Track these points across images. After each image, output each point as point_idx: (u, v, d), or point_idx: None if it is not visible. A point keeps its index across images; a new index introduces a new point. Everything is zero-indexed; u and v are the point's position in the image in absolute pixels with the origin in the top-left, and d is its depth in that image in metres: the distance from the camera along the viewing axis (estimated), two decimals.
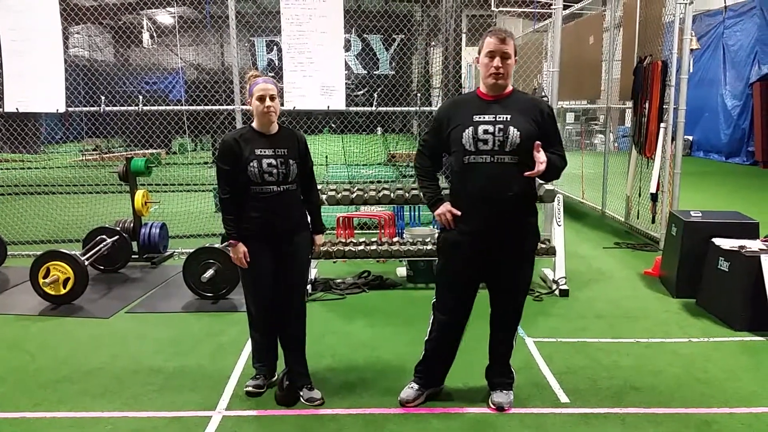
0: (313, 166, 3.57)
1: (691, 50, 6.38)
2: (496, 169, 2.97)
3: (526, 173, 2.94)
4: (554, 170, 3.04)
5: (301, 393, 3.46)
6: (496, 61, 2.95)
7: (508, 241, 3.09)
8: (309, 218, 3.56)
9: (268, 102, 3.24)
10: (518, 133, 2.94)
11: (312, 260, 3.56)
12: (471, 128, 2.98)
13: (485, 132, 2.96)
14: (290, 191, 3.34)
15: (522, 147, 2.94)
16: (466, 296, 3.25)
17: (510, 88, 3.10)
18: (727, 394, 3.49)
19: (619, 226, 8.08)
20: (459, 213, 3.10)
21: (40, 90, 6.52)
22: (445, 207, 3.15)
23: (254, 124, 3.36)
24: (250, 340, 3.67)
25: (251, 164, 3.22)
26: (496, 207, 3.01)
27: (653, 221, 6.87)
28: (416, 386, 3.43)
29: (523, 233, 3.13)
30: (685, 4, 6.23)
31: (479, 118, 2.99)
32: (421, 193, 3.36)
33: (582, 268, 6.02)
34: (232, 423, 3.23)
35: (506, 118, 2.96)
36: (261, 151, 3.26)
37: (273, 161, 3.26)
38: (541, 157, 2.90)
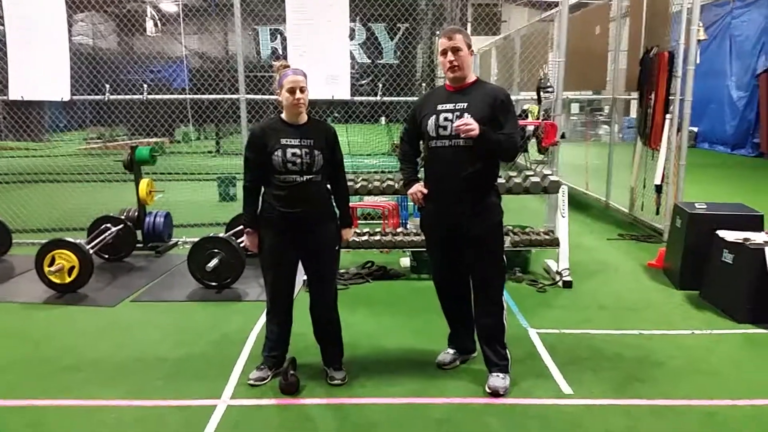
0: (342, 158, 3.58)
1: (698, 41, 6.34)
2: (453, 152, 3.28)
3: (460, 131, 3.15)
4: (495, 143, 3.24)
5: (327, 371, 3.59)
6: (449, 56, 3.27)
7: (468, 216, 3.33)
8: (337, 210, 3.58)
9: (298, 94, 3.28)
10: (471, 118, 3.18)
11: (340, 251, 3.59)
12: (434, 116, 3.31)
13: (445, 119, 3.27)
14: (314, 182, 3.34)
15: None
16: (445, 265, 3.59)
17: (473, 78, 3.38)
18: (730, 386, 3.50)
19: (623, 218, 8.06)
20: (426, 191, 3.46)
21: (45, 78, 6.51)
22: (417, 186, 3.52)
23: (283, 115, 3.40)
24: (264, 328, 3.69)
25: (276, 153, 3.27)
26: (454, 186, 3.31)
27: (657, 213, 6.86)
28: (452, 351, 3.78)
29: (481, 209, 3.35)
30: None
31: (442, 107, 3.32)
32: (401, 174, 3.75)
33: (586, 260, 6.02)
34: (236, 412, 3.26)
35: (464, 105, 3.26)
36: (286, 141, 3.30)
37: (297, 151, 3.28)
38: (459, 122, 3.14)
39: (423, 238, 5.37)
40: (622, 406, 3.28)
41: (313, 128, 3.40)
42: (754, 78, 14.73)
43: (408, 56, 12.62)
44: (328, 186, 3.49)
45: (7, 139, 14.83)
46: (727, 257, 4.61)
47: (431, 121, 3.31)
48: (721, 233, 4.74)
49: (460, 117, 3.22)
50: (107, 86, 6.77)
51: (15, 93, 6.56)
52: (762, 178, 11.91)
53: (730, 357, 3.90)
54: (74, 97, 6.66)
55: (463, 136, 3.16)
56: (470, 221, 3.33)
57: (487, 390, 3.39)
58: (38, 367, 3.80)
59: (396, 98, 7.37)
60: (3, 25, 6.63)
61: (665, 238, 6.36)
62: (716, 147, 16.43)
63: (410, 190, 3.53)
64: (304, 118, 3.40)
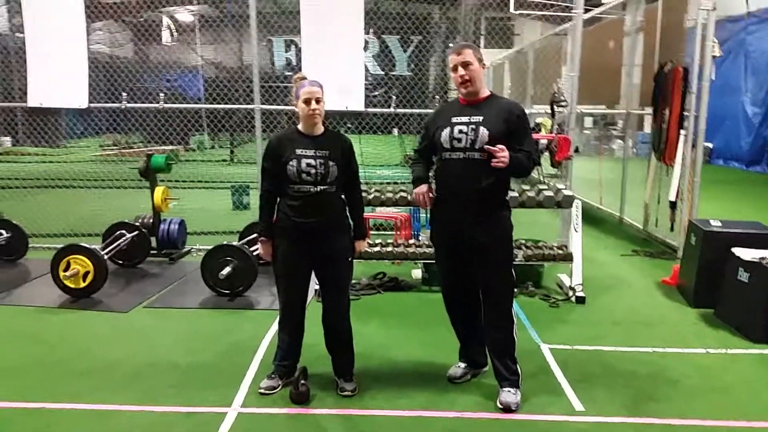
0: (357, 170, 3.60)
1: (713, 57, 6.32)
2: (467, 164, 3.30)
3: (493, 162, 3.18)
4: (519, 165, 3.27)
5: (338, 382, 3.59)
6: (459, 71, 3.30)
7: (476, 226, 3.34)
8: (351, 221, 3.60)
9: (313, 105, 3.33)
10: (487, 132, 3.22)
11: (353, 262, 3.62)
12: (449, 128, 3.33)
13: (460, 132, 3.30)
14: (328, 192, 3.37)
15: (491, 145, 3.20)
16: (455, 277, 3.60)
17: (487, 93, 3.42)
18: (745, 406, 3.46)
19: (636, 234, 8.01)
20: (432, 195, 3.50)
21: (63, 85, 6.59)
22: (424, 187, 3.53)
23: (300, 126, 3.44)
24: (277, 337, 3.70)
25: (290, 163, 3.30)
26: (467, 198, 3.33)
27: (672, 229, 6.80)
28: (463, 365, 3.77)
29: (490, 220, 3.37)
30: (708, 10, 6.16)
31: (456, 119, 3.34)
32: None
33: (599, 275, 5.98)
34: (247, 420, 3.26)
35: (479, 119, 3.28)
36: (302, 151, 3.33)
37: (312, 161, 3.31)
38: (498, 150, 3.15)
39: (434, 250, 5.41)
40: (634, 424, 3.25)
41: (328, 139, 3.43)
42: None
43: (421, 68, 12.68)
44: (343, 197, 3.51)
45: (25, 144, 15.03)
46: (743, 276, 4.57)
47: (445, 132, 3.33)
48: (737, 251, 4.70)
49: (475, 130, 3.24)
50: (124, 94, 6.85)
51: (34, 100, 6.65)
52: None
53: (744, 377, 3.86)
54: (92, 105, 6.74)
55: (493, 164, 3.17)
56: (478, 231, 3.34)
57: (499, 405, 3.37)
58: (51, 371, 3.83)
59: (409, 110, 7.40)
60: (23, 33, 6.74)
61: (679, 255, 6.30)
62: (731, 163, 16.31)
63: (417, 189, 3.54)
64: (320, 129, 3.43)
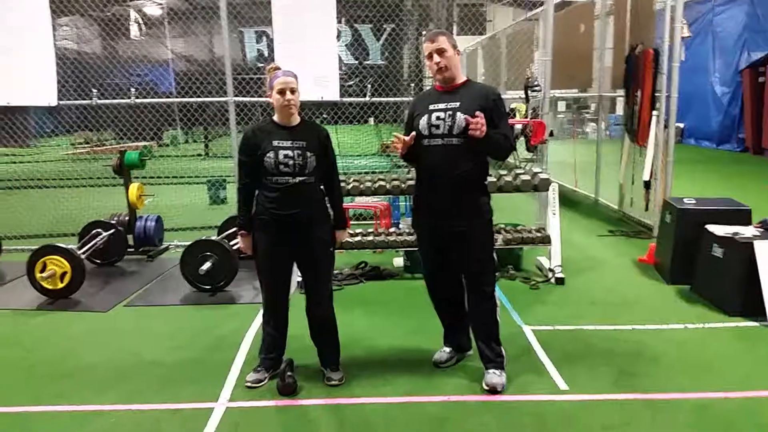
0: (335, 160, 3.58)
1: (683, 38, 6.41)
2: (446, 150, 3.32)
3: (470, 130, 3.16)
4: (495, 144, 3.31)
5: (324, 372, 3.59)
6: (435, 58, 3.32)
7: (458, 213, 3.37)
8: (330, 212, 3.58)
9: (288, 95, 3.30)
10: (464, 117, 3.23)
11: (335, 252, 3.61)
12: (426, 115, 3.36)
13: (437, 118, 3.33)
14: (306, 183, 3.35)
15: (468, 130, 3.21)
16: (437, 263, 3.62)
17: (463, 78, 3.44)
18: (722, 378, 3.55)
19: (612, 214, 8.13)
20: (410, 140, 3.37)
21: (31, 83, 6.45)
22: (404, 137, 3.41)
23: (275, 117, 3.42)
24: (261, 330, 3.69)
25: (268, 154, 3.28)
26: (446, 184, 3.35)
27: (647, 209, 6.92)
28: (448, 350, 3.81)
29: (471, 207, 3.40)
30: None
31: (434, 106, 3.37)
32: None
33: (577, 256, 6.06)
34: (234, 414, 3.26)
35: (456, 105, 3.31)
36: (278, 143, 3.31)
37: (290, 152, 3.29)
38: (476, 117, 3.14)
39: (415, 237, 5.43)
40: (617, 400, 3.32)
41: (305, 130, 3.41)
42: (737, 74, 14.90)
43: (395, 56, 12.64)
44: (322, 187, 3.50)
45: None
46: (717, 251, 4.67)
47: (423, 120, 3.35)
48: (711, 228, 4.80)
49: (452, 116, 3.27)
50: (94, 91, 6.73)
51: (1, 99, 6.50)
52: (748, 173, 12.04)
53: (722, 350, 3.96)
54: (61, 102, 6.61)
55: (470, 133, 3.17)
56: (460, 219, 3.37)
57: (485, 387, 3.41)
58: (32, 374, 3.78)
59: (385, 99, 7.38)
60: None
61: (655, 234, 6.42)
62: (702, 143, 16.61)
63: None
64: (296, 119, 3.41)
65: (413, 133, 3.40)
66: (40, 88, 6.46)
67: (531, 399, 3.35)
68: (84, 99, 6.78)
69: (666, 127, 6.54)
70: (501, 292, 4.99)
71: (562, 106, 16.46)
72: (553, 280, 5.31)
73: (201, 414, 3.24)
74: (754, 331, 4.23)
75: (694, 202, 5.25)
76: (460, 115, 3.25)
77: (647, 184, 6.74)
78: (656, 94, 6.60)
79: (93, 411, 3.32)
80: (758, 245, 4.40)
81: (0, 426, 3.20)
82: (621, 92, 7.73)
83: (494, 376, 3.43)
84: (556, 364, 3.73)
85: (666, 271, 5.35)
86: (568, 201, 8.98)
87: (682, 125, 16.68)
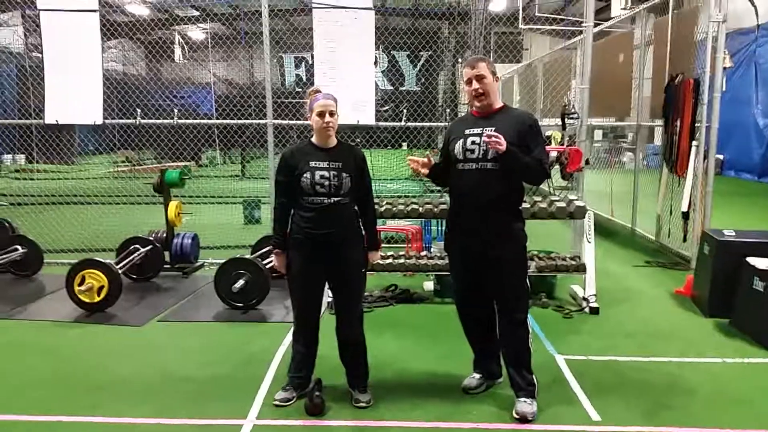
0: (371, 182, 3.63)
1: (724, 68, 6.33)
2: (480, 174, 3.33)
3: (490, 145, 3.16)
4: (525, 167, 3.29)
5: (353, 393, 3.59)
6: (474, 84, 3.34)
7: (491, 239, 3.37)
8: (364, 233, 3.61)
9: (327, 118, 3.37)
10: (484, 135, 3.23)
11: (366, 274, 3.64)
12: (462, 140, 3.39)
13: (472, 143, 3.34)
14: (341, 204, 3.40)
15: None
16: (468, 288, 3.61)
17: (500, 104, 3.45)
18: (761, 414, 3.42)
19: (649, 245, 7.98)
20: (429, 162, 3.43)
21: (79, 102, 6.70)
22: (426, 161, 3.45)
23: (313, 139, 3.49)
24: (291, 349, 3.71)
25: (304, 175, 3.34)
26: (480, 207, 3.35)
27: (684, 240, 6.78)
28: (478, 376, 3.76)
29: (505, 233, 3.39)
30: (719, 22, 6.19)
31: (469, 131, 3.39)
32: None
33: (612, 286, 5.96)
34: None
35: (491, 130, 3.27)
36: (315, 164, 3.37)
37: (326, 173, 3.34)
38: (493, 135, 3.15)
39: (446, 261, 5.41)
40: None
41: (342, 152, 3.46)
42: None
43: (431, 83, 12.75)
44: (356, 209, 3.54)
45: (39, 161, 15.21)
46: (758, 285, 4.54)
47: (459, 144, 3.38)
48: (752, 260, 4.68)
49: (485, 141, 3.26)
50: (138, 110, 6.95)
51: (51, 117, 6.76)
52: None
53: (761, 385, 3.82)
54: (106, 121, 6.83)
55: (489, 147, 3.19)
56: (494, 244, 3.36)
57: (515, 415, 3.36)
58: (67, 385, 3.86)
59: (419, 124, 7.45)
60: (39, 52, 6.86)
61: (693, 266, 6.27)
62: (742, 175, 16.22)
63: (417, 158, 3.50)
64: (333, 141, 3.47)
65: (427, 152, 3.47)
66: (87, 107, 6.71)
67: (562, 429, 3.28)
68: (128, 119, 7.00)
69: (705, 157, 6.43)
70: (534, 319, 4.93)
71: (599, 134, 16.32)
72: (587, 310, 5.22)
73: (230, 430, 3.26)
74: None
75: (734, 233, 5.12)
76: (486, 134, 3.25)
77: (686, 215, 6.61)
78: (696, 125, 6.51)
79: (125, 423, 3.37)
80: None
81: None
82: (659, 122, 7.65)
83: (525, 405, 3.38)
84: (589, 394, 3.66)
85: (704, 304, 5.21)
86: (604, 231, 8.84)
87: (722, 157, 16.35)
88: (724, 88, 6.37)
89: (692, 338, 4.67)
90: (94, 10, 6.57)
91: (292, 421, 3.37)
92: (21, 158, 18.48)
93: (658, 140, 9.73)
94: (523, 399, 3.40)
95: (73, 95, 6.71)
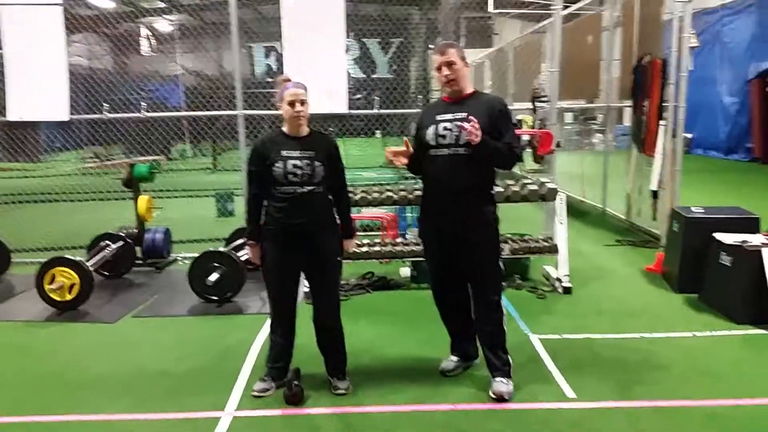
0: (344, 170, 3.61)
1: (691, 48, 6.42)
2: (453, 160, 3.34)
3: (465, 135, 3.18)
4: (497, 153, 3.32)
5: (331, 381, 3.59)
6: (444, 71, 3.35)
7: (464, 224, 3.39)
8: (338, 221, 3.60)
9: (298, 107, 3.35)
10: (459, 124, 3.25)
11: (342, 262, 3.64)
12: (434, 126, 3.39)
13: (444, 128, 3.35)
14: (315, 193, 3.38)
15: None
16: (443, 272, 3.64)
17: (470, 89, 3.46)
18: (731, 386, 3.52)
19: (620, 224, 8.11)
20: (405, 149, 3.47)
21: (44, 99, 6.54)
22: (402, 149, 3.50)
23: (284, 128, 3.46)
24: (269, 340, 3.70)
25: (276, 164, 3.31)
26: (454, 193, 3.37)
27: (654, 218, 6.90)
28: (455, 358, 3.80)
29: (478, 217, 3.41)
30: (685, 2, 6.27)
31: (441, 117, 3.39)
32: None
33: (584, 266, 6.04)
34: (242, 423, 3.26)
35: (463, 115, 3.29)
36: (287, 153, 3.35)
37: (298, 162, 3.32)
38: (469, 124, 3.14)
39: (422, 248, 5.44)
40: (625, 408, 3.30)
41: (314, 140, 3.44)
42: (746, 84, 14.87)
43: (403, 69, 12.73)
44: (330, 197, 3.53)
45: (2, 160, 14.83)
46: (725, 260, 4.65)
47: (431, 130, 3.38)
48: (719, 236, 4.78)
49: (459, 126, 3.27)
50: (105, 105, 6.81)
51: (14, 114, 6.59)
52: (757, 182, 11.98)
53: (731, 358, 3.93)
54: (73, 117, 6.68)
55: (465, 138, 3.20)
56: (467, 228, 3.38)
57: (492, 395, 3.40)
58: (42, 384, 3.80)
59: (392, 111, 7.44)
60: (1, 47, 6.67)
61: (663, 243, 6.40)
62: (710, 153, 16.54)
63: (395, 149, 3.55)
64: (305, 130, 3.45)
65: (406, 139, 3.48)
66: (52, 103, 6.54)
67: (538, 407, 3.33)
68: (95, 113, 6.86)
69: (674, 136, 6.53)
70: (508, 301, 4.99)
71: (569, 117, 16.48)
72: (560, 290, 5.30)
73: (208, 423, 3.25)
74: (763, 339, 4.20)
75: (702, 210, 5.23)
76: (475, 121, 3.25)
77: (655, 194, 6.72)
78: (664, 104, 6.60)
79: (102, 421, 3.33)
80: (767, 253, 4.38)
81: None
82: (628, 103, 7.75)
83: (501, 385, 3.42)
84: (564, 372, 3.72)
85: (674, 280, 5.32)
86: (576, 211, 8.95)
87: (690, 135, 16.63)
88: (691, 68, 6.46)
89: (663, 314, 4.77)
90: (58, 4, 6.40)
91: (272, 411, 3.37)
92: None
93: (627, 121, 9.84)
94: (499, 379, 3.45)
95: (38, 91, 6.53)
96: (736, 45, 15.25)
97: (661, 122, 6.61)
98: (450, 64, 3.34)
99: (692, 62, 6.51)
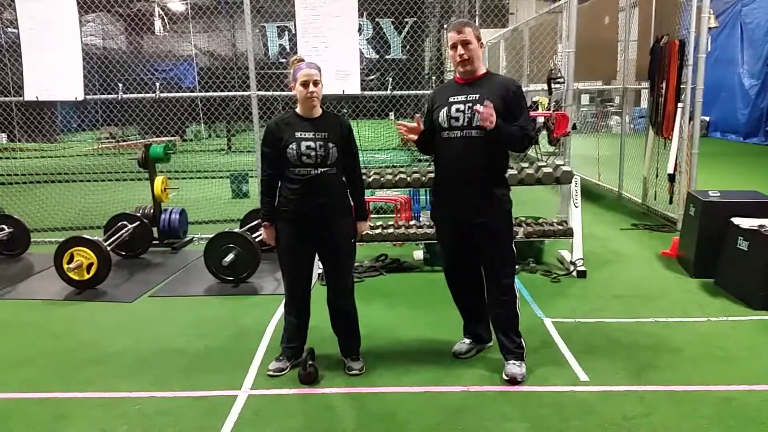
0: (357, 151, 3.60)
1: (709, 29, 6.31)
2: (464, 142, 3.32)
3: (480, 121, 3.13)
4: (511, 136, 3.26)
5: (345, 361, 3.63)
6: (459, 50, 3.30)
7: (477, 206, 3.38)
8: (352, 203, 3.60)
9: (311, 87, 3.33)
10: (474, 108, 3.20)
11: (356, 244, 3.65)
12: (446, 107, 3.35)
13: (457, 110, 3.31)
14: (328, 174, 3.38)
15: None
16: (456, 255, 3.64)
17: (483, 70, 3.42)
18: (746, 371, 3.51)
19: (636, 208, 8.05)
20: (416, 126, 3.43)
21: (59, 79, 6.58)
22: (415, 126, 3.46)
23: (297, 109, 3.45)
24: (283, 320, 3.73)
25: (290, 146, 3.31)
26: (465, 176, 3.36)
27: (671, 202, 6.84)
28: (467, 341, 3.81)
29: (491, 199, 3.38)
30: None
31: (453, 98, 3.36)
32: None
33: (599, 250, 6.02)
34: (257, 401, 3.31)
35: (475, 97, 3.28)
36: (301, 134, 3.34)
37: (312, 143, 3.32)
38: (484, 108, 3.10)
39: (435, 229, 5.44)
40: (638, 392, 3.30)
41: (327, 121, 3.44)
42: (766, 66, 14.60)
43: (417, 50, 12.61)
44: (344, 179, 3.53)
45: (21, 140, 14.99)
46: (742, 244, 4.61)
47: (443, 112, 3.35)
48: (736, 220, 4.74)
49: (472, 108, 3.24)
50: (120, 85, 6.84)
51: (30, 94, 6.64)
52: None
53: (746, 343, 3.91)
54: (87, 97, 6.73)
55: (479, 123, 3.16)
56: (479, 211, 3.37)
57: (505, 377, 3.42)
58: (60, 361, 3.87)
59: (405, 92, 7.40)
60: (15, 28, 6.71)
61: (679, 227, 6.35)
62: (728, 136, 16.32)
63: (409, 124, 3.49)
64: (318, 111, 3.44)
65: (417, 115, 3.46)
66: (67, 84, 6.59)
67: (551, 390, 3.34)
68: (110, 94, 6.89)
69: (691, 119, 6.45)
70: (522, 284, 4.99)
71: (585, 99, 16.30)
72: (574, 273, 5.28)
73: (224, 401, 3.30)
74: None
75: (719, 194, 5.17)
76: (490, 104, 3.21)
77: (671, 177, 6.66)
78: (681, 86, 6.51)
79: (119, 398, 3.39)
80: None
81: (31, 410, 3.29)
82: (646, 84, 7.65)
83: (514, 367, 3.44)
84: (577, 356, 3.72)
85: (689, 265, 5.28)
86: (591, 195, 8.90)
87: (707, 118, 16.41)
88: (709, 49, 6.35)
89: (678, 299, 4.74)
90: None
91: (287, 390, 3.41)
92: (2, 137, 18.20)
93: (644, 103, 9.73)
94: (512, 361, 3.46)
95: (53, 71, 6.58)
96: (756, 26, 14.95)
97: (679, 104, 6.53)
98: (465, 44, 3.29)
99: (711, 43, 6.40)
